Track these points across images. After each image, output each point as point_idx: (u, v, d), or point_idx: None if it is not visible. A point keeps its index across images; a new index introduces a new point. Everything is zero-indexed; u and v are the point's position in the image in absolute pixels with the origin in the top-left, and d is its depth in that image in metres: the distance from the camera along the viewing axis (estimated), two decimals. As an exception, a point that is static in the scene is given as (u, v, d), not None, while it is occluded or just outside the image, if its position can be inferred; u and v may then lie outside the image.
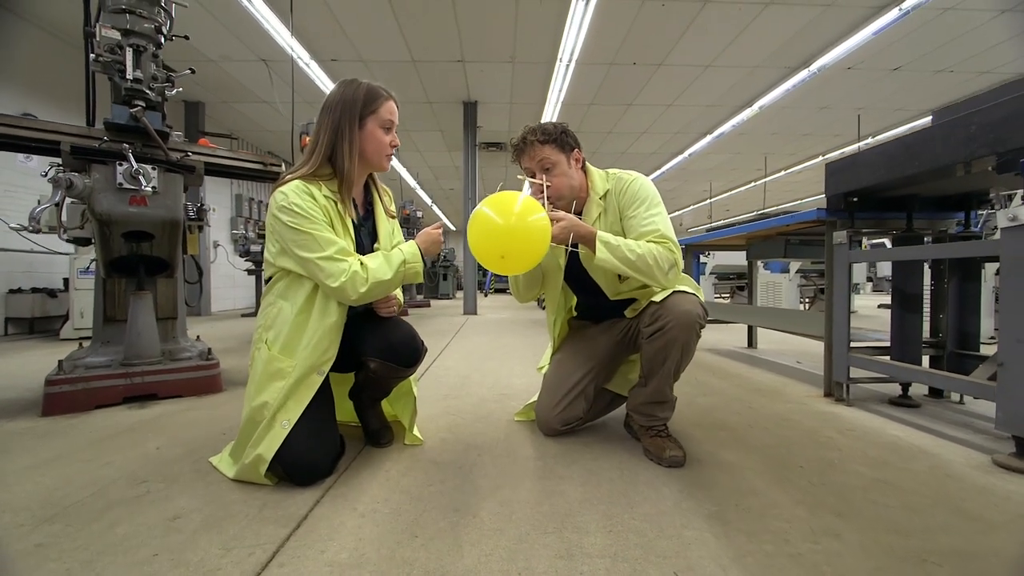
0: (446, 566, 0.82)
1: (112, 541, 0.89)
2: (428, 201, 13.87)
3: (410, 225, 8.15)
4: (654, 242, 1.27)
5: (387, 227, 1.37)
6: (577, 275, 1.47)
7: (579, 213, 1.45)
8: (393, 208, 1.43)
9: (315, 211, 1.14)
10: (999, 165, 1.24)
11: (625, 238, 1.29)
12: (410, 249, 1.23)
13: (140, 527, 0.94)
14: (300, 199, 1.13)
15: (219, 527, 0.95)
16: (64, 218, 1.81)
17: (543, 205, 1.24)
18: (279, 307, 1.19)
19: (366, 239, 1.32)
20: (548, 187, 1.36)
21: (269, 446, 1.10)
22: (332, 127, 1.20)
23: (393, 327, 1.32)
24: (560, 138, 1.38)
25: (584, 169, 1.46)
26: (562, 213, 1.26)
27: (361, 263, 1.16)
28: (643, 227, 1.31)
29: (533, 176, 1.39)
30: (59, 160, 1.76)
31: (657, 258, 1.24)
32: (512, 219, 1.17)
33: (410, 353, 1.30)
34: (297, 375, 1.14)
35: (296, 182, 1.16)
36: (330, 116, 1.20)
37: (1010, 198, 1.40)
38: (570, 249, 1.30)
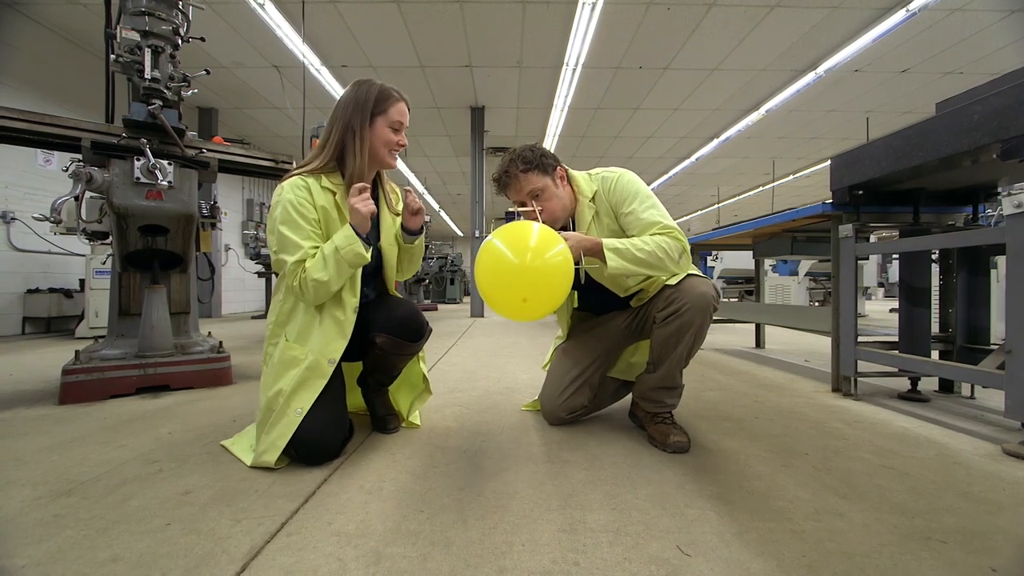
0: (451, 537, 0.84)
1: (126, 512, 0.92)
2: (436, 206, 13.98)
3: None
4: (659, 234, 1.27)
5: (391, 222, 1.38)
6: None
7: (572, 221, 1.45)
8: (399, 207, 1.43)
9: (305, 208, 1.18)
10: (1003, 152, 1.24)
11: (626, 236, 1.29)
12: (341, 234, 1.15)
13: (153, 500, 0.97)
14: (293, 194, 1.17)
15: (229, 501, 0.97)
16: (83, 212, 1.87)
17: None
18: (292, 302, 1.23)
19: (370, 232, 1.34)
20: (541, 212, 1.34)
21: (283, 433, 1.12)
22: (343, 125, 1.24)
23: (397, 305, 1.35)
24: (541, 162, 1.36)
25: (569, 180, 1.45)
26: (565, 233, 1.23)
27: (306, 268, 1.15)
28: (643, 221, 1.31)
29: (523, 205, 1.37)
30: (79, 156, 1.82)
31: (667, 249, 1.24)
32: (528, 256, 1.04)
33: (415, 327, 1.33)
34: (309, 362, 1.17)
35: (296, 178, 1.20)
36: (342, 114, 1.24)
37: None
38: (584, 268, 1.25)
